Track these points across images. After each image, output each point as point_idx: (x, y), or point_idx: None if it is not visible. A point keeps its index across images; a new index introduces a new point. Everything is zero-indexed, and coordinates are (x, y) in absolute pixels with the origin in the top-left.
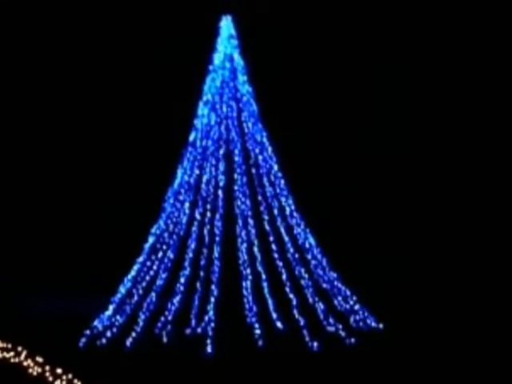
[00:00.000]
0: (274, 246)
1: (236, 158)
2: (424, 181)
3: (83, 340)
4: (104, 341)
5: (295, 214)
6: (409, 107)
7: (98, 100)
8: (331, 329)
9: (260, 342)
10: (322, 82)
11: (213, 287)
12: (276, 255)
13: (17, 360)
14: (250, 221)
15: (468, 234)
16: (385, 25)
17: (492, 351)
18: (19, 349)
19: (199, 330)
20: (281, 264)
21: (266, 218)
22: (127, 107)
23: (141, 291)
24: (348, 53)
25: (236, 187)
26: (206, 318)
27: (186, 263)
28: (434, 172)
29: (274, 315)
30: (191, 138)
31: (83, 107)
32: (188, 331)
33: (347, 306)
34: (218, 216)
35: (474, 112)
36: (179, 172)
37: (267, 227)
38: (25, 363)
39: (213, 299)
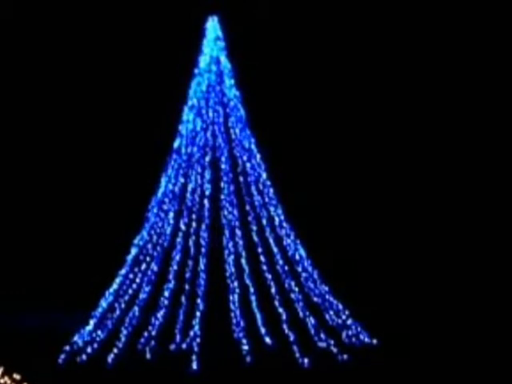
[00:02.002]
0: (262, 258)
1: (223, 166)
2: (417, 193)
3: (63, 356)
4: (84, 357)
5: (285, 224)
6: (400, 115)
7: (76, 104)
8: (322, 344)
9: (248, 359)
10: (313, 86)
11: (198, 301)
12: (265, 267)
13: None
14: (238, 231)
15: (463, 248)
16: (379, 27)
17: (488, 368)
18: None
19: (184, 345)
20: (270, 277)
21: (255, 228)
22: (108, 112)
23: (123, 305)
24: (341, 56)
25: (223, 196)
26: (192, 333)
27: (171, 276)
28: (428, 184)
29: (263, 330)
30: (176, 144)
31: (61, 111)
32: (172, 347)
33: (339, 321)
34: (203, 226)
35: (473, 114)
36: (163, 180)
37: (255, 238)
38: (1, 381)
39: (198, 313)
